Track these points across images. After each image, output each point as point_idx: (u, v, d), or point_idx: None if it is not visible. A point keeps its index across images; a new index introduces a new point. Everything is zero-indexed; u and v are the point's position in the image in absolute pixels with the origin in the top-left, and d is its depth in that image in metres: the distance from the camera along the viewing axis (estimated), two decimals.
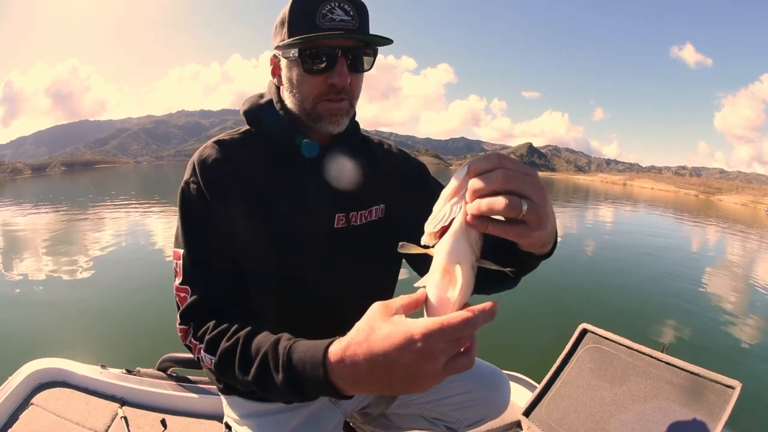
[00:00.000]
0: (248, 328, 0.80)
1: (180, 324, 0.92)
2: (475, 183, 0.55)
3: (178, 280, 0.94)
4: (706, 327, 6.89)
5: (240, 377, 0.77)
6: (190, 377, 2.00)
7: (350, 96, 0.98)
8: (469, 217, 0.56)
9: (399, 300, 0.61)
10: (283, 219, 0.99)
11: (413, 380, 0.57)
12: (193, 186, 0.96)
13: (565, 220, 20.90)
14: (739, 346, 6.20)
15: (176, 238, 0.97)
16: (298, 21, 0.91)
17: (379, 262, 1.11)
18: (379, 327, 0.58)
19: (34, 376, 1.91)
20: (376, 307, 0.61)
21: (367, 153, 1.14)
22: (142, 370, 2.02)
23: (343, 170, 1.06)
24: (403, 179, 1.18)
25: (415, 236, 1.11)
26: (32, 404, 1.79)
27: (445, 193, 0.60)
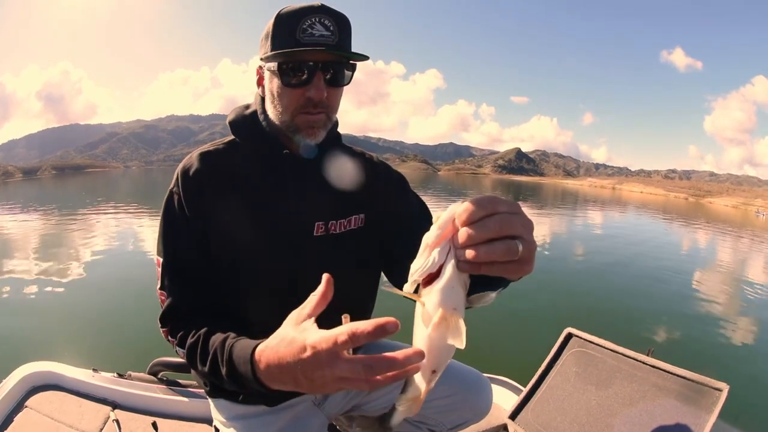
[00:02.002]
0: (206, 328, 0.91)
1: (161, 327, 1.02)
2: (468, 232, 0.53)
3: (158, 285, 1.04)
4: (692, 330, 6.96)
5: (201, 369, 0.88)
6: (180, 381, 2.01)
7: (327, 109, 1.01)
8: (463, 266, 0.55)
9: (308, 305, 0.66)
10: (263, 227, 1.03)
11: (312, 384, 0.62)
12: (175, 196, 1.02)
13: (553, 225, 20.86)
14: (725, 349, 6.26)
15: (157, 245, 1.05)
16: (280, 35, 0.95)
17: (358, 270, 1.14)
18: (288, 334, 0.65)
19: (28, 379, 1.91)
20: (290, 315, 0.68)
21: (348, 163, 1.18)
22: (133, 374, 2.03)
23: (324, 179, 1.11)
24: (384, 190, 1.21)
25: (394, 247, 1.14)
26: (26, 407, 1.80)
27: (428, 238, 0.57)
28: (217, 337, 0.87)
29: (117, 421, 1.77)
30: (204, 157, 1.05)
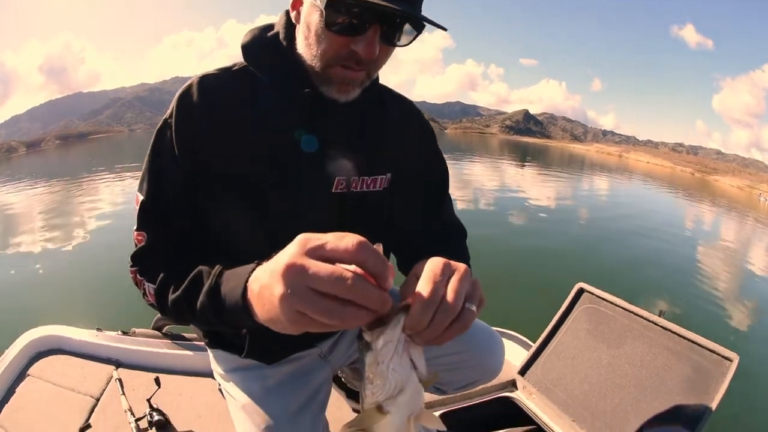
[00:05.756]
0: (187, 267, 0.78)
1: (130, 266, 0.89)
2: (425, 339, 0.55)
3: (135, 226, 0.90)
4: (701, 299, 6.94)
5: (171, 297, 0.78)
6: (184, 335, 2.00)
7: (371, 67, 0.83)
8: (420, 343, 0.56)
9: (328, 236, 0.52)
10: (269, 176, 0.88)
11: (273, 311, 0.53)
12: (167, 128, 0.87)
13: (561, 186, 21.00)
14: (734, 322, 6.24)
15: (140, 180, 0.90)
16: None
17: (375, 237, 0.98)
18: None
19: (31, 345, 1.90)
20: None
21: (381, 115, 1.02)
22: (138, 330, 2.02)
23: (351, 130, 0.95)
24: (416, 151, 1.07)
25: (409, 212, 1.05)
26: (29, 375, 1.79)
27: (374, 368, 0.53)
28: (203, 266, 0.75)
29: (120, 380, 1.75)
30: (206, 84, 0.87)
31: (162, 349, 1.94)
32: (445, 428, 1.54)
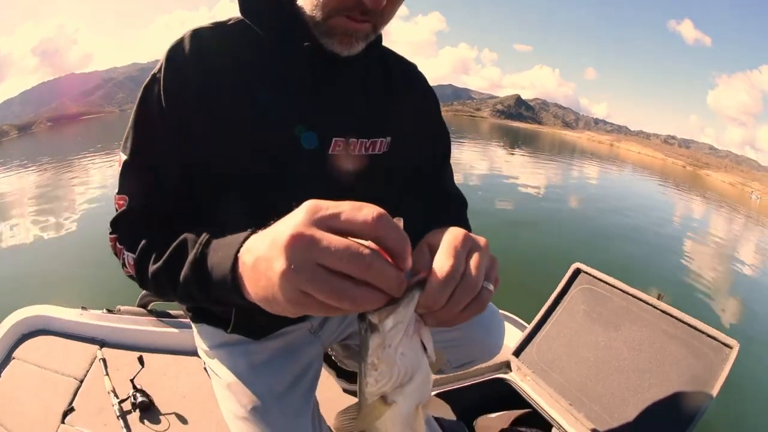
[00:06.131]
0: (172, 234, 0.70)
1: (110, 233, 0.81)
2: (441, 316, 0.48)
3: (117, 189, 0.82)
4: (694, 290, 6.97)
5: (152, 268, 0.69)
6: (170, 312, 1.95)
7: (378, 19, 0.76)
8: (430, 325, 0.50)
9: (343, 205, 0.44)
10: (263, 134, 0.81)
11: (270, 288, 0.45)
12: (156, 84, 0.79)
13: (552, 172, 21.01)
14: (733, 309, 6.27)
15: (124, 140, 0.82)
16: None
17: (371, 201, 0.92)
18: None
19: (16, 327, 1.85)
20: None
21: (384, 75, 0.96)
22: (123, 308, 1.96)
23: (352, 88, 0.89)
24: (421, 114, 1.02)
25: (408, 180, 0.98)
26: (14, 358, 1.74)
27: (380, 353, 0.46)
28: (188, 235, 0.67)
29: (104, 360, 1.72)
30: (198, 37, 0.79)
31: (147, 327, 1.89)
32: (454, 417, 1.50)
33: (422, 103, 1.03)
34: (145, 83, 0.80)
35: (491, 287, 0.52)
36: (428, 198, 1.04)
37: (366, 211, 0.43)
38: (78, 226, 7.71)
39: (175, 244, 0.67)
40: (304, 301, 0.42)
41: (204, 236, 0.63)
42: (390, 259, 0.43)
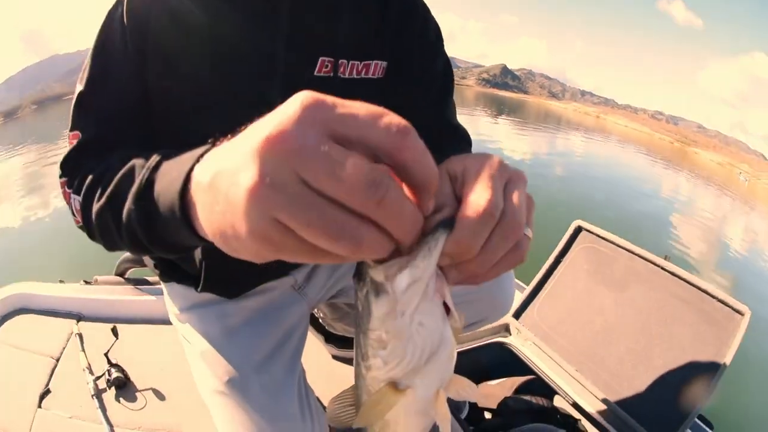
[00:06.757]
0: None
1: (60, 176, 0.68)
2: (471, 269, 0.35)
3: (69, 127, 0.69)
4: (706, 248, 6.88)
5: (96, 206, 0.55)
6: (148, 279, 1.85)
7: None
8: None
9: (353, 104, 0.29)
10: (244, 55, 0.70)
11: (229, 214, 0.29)
12: (118, 6, 0.67)
13: (539, 139, 20.91)
14: (743, 274, 6.21)
15: (81, 72, 0.69)
16: None
17: None
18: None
19: None
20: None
21: None
22: (100, 278, 1.85)
23: (345, 3, 0.76)
24: (419, 40, 0.88)
25: (408, 115, 0.87)
26: None
27: (390, 324, 0.32)
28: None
29: (80, 335, 1.63)
30: None
31: (124, 297, 1.78)
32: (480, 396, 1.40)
33: (423, 29, 0.90)
34: (107, 12, 0.68)
35: (530, 233, 0.39)
36: (432, 133, 0.92)
37: (387, 120, 0.28)
38: (60, 200, 7.63)
39: (120, 172, 0.53)
40: (277, 236, 0.28)
41: (154, 158, 0.48)
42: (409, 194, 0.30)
